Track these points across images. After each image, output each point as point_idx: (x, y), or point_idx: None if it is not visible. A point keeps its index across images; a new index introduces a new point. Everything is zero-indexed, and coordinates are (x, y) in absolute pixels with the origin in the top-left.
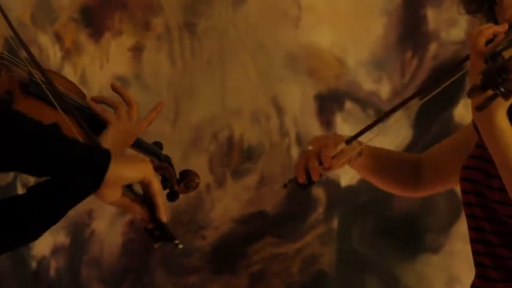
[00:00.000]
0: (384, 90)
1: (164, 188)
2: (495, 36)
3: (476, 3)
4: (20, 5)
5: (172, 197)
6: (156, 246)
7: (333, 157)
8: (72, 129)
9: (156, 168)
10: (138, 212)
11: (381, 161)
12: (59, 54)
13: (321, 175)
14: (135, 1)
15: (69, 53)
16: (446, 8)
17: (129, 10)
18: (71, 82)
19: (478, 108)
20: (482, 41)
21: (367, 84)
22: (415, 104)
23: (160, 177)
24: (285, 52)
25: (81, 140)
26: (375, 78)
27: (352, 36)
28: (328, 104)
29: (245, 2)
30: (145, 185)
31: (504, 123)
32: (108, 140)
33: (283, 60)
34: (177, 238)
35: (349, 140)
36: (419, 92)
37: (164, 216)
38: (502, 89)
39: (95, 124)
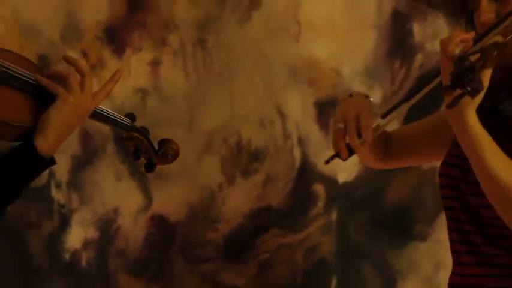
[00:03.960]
0: (376, 96)
1: (136, 159)
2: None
3: (459, 5)
4: (50, 26)
5: (149, 167)
6: None
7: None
8: (12, 105)
9: (126, 140)
10: None
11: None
12: None
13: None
14: (153, 20)
15: (95, 67)
16: (430, 22)
17: (147, 28)
18: (21, 57)
19: (449, 106)
20: (452, 46)
21: (361, 91)
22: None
23: (132, 148)
24: (286, 64)
25: (19, 116)
26: (368, 86)
27: (347, 49)
28: (326, 109)
29: (251, 20)
30: None
31: (473, 120)
32: (54, 114)
33: (285, 71)
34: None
35: (385, 115)
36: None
37: None
38: (469, 88)
39: (47, 98)
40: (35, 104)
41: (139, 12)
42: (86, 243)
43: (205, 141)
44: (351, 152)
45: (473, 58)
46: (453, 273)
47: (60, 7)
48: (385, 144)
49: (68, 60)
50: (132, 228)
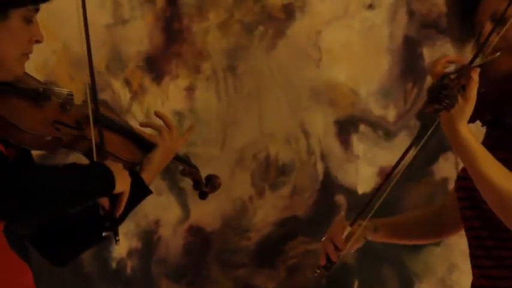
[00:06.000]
0: (391, 114)
1: (196, 189)
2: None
3: (468, 33)
4: (96, 57)
5: (203, 196)
6: (104, 234)
7: (345, 238)
8: (125, 148)
9: (188, 174)
10: (105, 203)
11: (398, 229)
12: (128, 95)
13: (338, 256)
14: (187, 50)
15: (137, 94)
16: (438, 46)
17: (183, 58)
18: (119, 116)
19: (431, 116)
20: (438, 67)
21: (376, 110)
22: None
23: (192, 182)
24: (309, 86)
25: (131, 155)
26: (383, 105)
27: (363, 72)
28: (345, 127)
29: (276, 48)
30: (123, 193)
31: (465, 132)
32: (156, 157)
33: (308, 93)
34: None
35: (352, 223)
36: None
37: (118, 214)
38: (444, 104)
39: (144, 145)
40: (135, 147)
41: (175, 43)
42: (131, 252)
43: (236, 157)
44: (330, 261)
45: (452, 76)
46: (474, 276)
47: (105, 40)
48: (435, 223)
49: (159, 115)
50: (172, 238)
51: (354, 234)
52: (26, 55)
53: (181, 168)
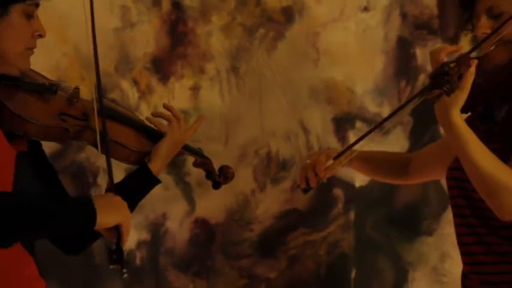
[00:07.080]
0: (385, 112)
1: (208, 179)
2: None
3: (467, 24)
4: (106, 59)
5: (216, 186)
6: (111, 267)
7: (326, 169)
8: (133, 138)
9: (200, 164)
10: (108, 236)
11: (370, 163)
12: (136, 95)
13: (317, 182)
14: (192, 52)
15: (144, 94)
16: (430, 46)
17: (188, 59)
18: (129, 110)
19: (432, 103)
20: (442, 55)
21: (372, 107)
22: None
23: (204, 172)
24: (308, 86)
25: (139, 146)
26: (378, 103)
27: (359, 71)
28: (342, 124)
29: (276, 49)
30: (119, 225)
31: (457, 119)
32: (164, 146)
33: (307, 92)
34: (126, 268)
35: (336, 157)
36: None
37: (124, 246)
38: (445, 88)
39: (152, 135)
40: (144, 138)
41: (180, 45)
42: (140, 244)
43: (239, 153)
44: (309, 186)
45: (452, 64)
46: (465, 264)
47: (113, 43)
48: (403, 167)
49: (167, 108)
50: (179, 230)
51: (335, 167)
52: (30, 49)
53: (194, 159)
